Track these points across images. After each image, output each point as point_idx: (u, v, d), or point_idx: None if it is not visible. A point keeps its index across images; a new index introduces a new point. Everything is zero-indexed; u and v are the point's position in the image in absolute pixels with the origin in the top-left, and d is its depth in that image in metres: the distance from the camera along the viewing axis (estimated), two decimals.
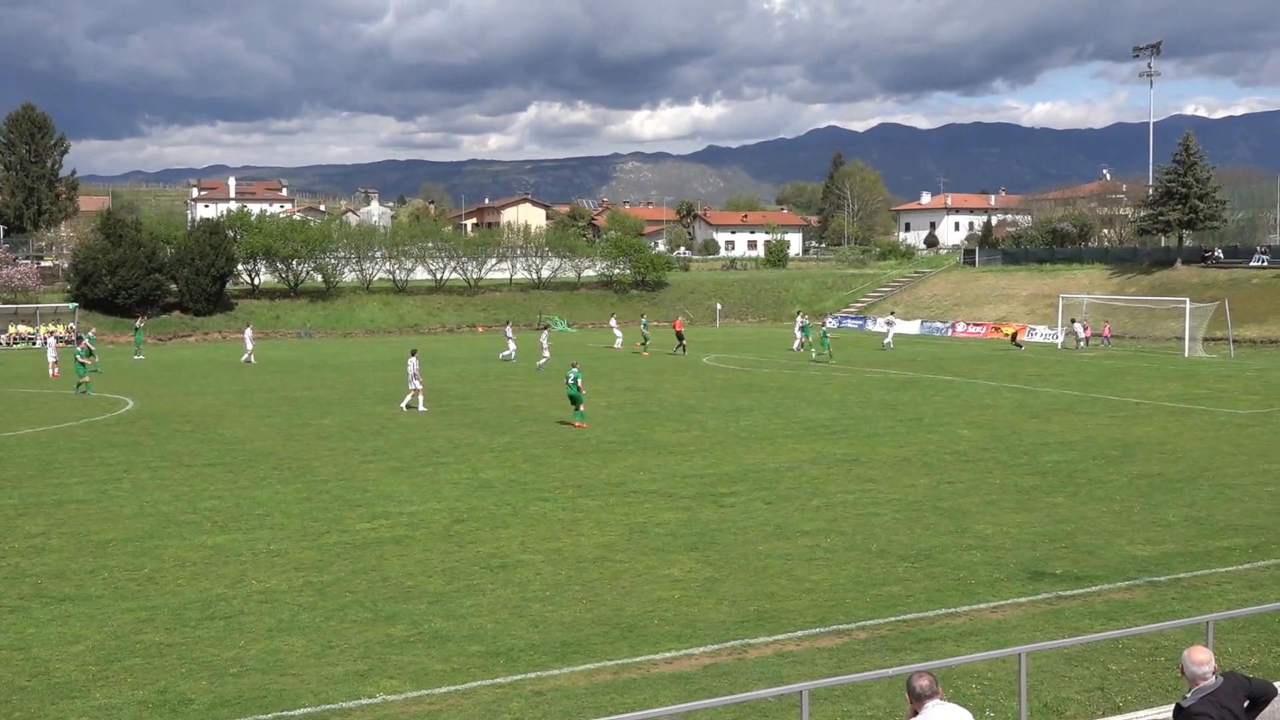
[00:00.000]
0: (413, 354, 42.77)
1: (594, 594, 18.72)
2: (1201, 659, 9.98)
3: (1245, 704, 10.12)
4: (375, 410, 41.42)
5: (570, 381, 37.09)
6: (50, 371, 56.11)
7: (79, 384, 47.70)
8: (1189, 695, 9.94)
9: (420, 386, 41.52)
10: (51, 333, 75.92)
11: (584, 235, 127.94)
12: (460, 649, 16.17)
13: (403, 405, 41.35)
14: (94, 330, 72.79)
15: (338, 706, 14.20)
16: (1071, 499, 25.78)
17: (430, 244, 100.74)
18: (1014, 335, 72.39)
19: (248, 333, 66.71)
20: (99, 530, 23.31)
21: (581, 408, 37.29)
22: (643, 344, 68.47)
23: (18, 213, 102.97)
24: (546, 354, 57.54)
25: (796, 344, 67.38)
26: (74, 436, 36.02)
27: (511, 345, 61.75)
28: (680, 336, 68.05)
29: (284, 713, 14.01)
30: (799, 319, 72.54)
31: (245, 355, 63.08)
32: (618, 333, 72.95)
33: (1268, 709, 10.73)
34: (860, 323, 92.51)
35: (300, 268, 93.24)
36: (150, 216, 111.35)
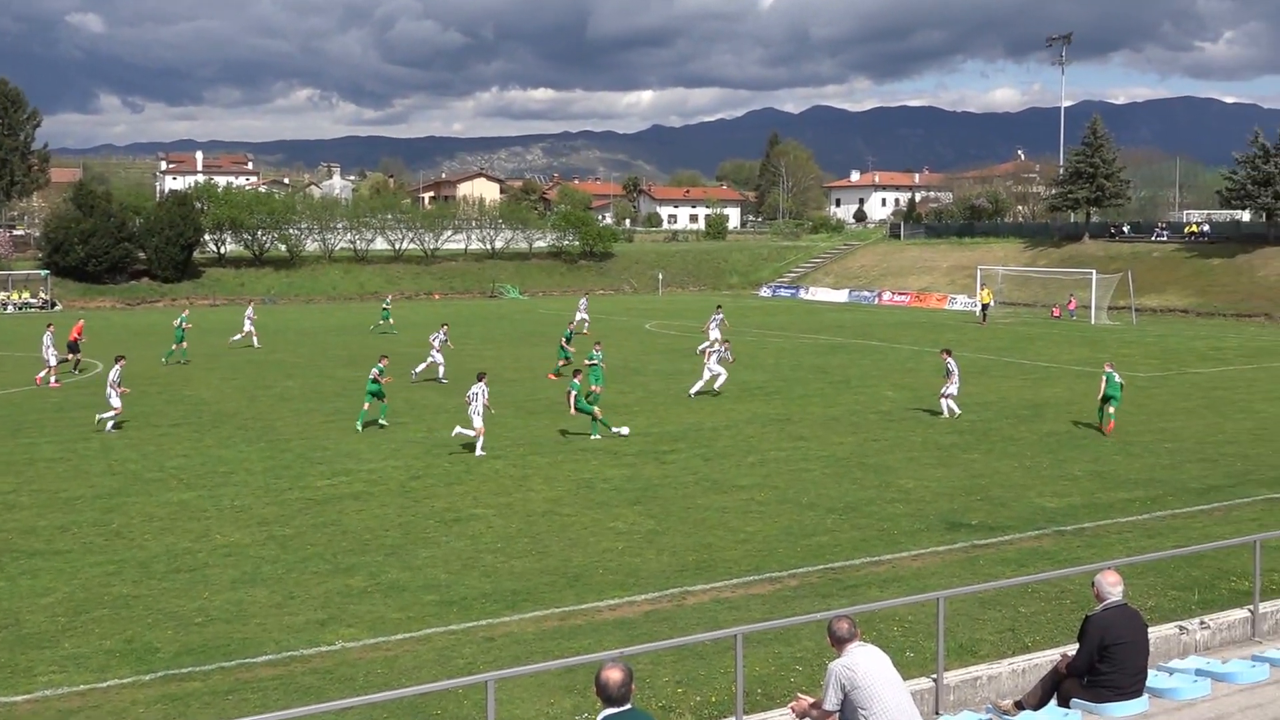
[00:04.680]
0: (118, 360, 32.60)
1: (542, 545, 18.66)
2: (1114, 580, 10.34)
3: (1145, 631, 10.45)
4: (337, 373, 41.04)
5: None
6: None
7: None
8: (1097, 608, 10.20)
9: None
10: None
11: (535, 209, 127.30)
12: (416, 598, 16.07)
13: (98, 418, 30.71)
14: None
15: (298, 653, 14.07)
16: (986, 455, 25.97)
17: (390, 216, 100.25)
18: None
19: (249, 311, 52.76)
20: (68, 488, 23.02)
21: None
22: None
23: None
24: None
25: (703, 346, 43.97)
26: (45, 398, 35.50)
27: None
28: (74, 348, 42.29)
29: (247, 660, 13.86)
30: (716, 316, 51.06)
31: (237, 335, 51.11)
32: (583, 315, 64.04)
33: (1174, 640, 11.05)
34: (793, 292, 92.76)
35: (265, 238, 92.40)
36: (120, 188, 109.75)
